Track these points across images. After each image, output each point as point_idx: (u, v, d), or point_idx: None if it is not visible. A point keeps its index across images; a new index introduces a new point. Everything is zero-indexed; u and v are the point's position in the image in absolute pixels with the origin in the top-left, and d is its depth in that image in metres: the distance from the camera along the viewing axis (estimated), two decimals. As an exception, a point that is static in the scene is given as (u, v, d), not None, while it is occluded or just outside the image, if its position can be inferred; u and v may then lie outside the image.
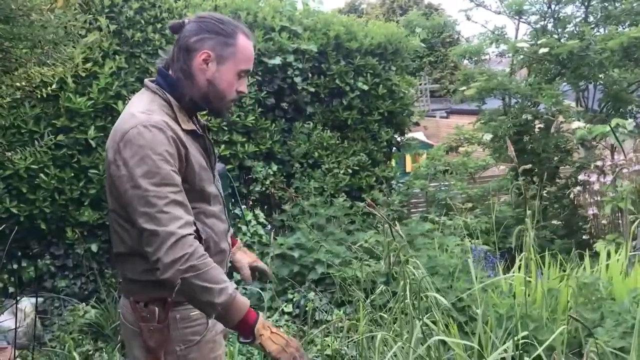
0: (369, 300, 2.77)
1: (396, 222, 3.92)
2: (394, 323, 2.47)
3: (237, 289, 1.63)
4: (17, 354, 3.07)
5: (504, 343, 2.44)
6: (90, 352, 3.31)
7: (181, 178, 1.66)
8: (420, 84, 17.89)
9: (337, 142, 5.55)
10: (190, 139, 1.75)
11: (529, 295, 3.06)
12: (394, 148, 6.20)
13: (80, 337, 3.38)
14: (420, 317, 2.06)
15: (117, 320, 3.91)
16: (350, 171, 5.47)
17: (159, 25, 4.78)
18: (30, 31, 1.91)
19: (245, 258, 2.15)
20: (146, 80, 1.81)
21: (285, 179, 5.32)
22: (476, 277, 2.86)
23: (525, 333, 2.51)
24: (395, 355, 2.15)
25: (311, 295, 3.79)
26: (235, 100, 1.87)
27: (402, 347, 2.07)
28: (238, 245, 2.16)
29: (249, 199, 4.99)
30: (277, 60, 5.17)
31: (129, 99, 4.69)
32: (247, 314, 1.62)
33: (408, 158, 7.75)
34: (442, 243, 4.09)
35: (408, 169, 7.59)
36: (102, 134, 4.46)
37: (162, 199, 1.58)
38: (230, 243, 1.97)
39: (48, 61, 1.93)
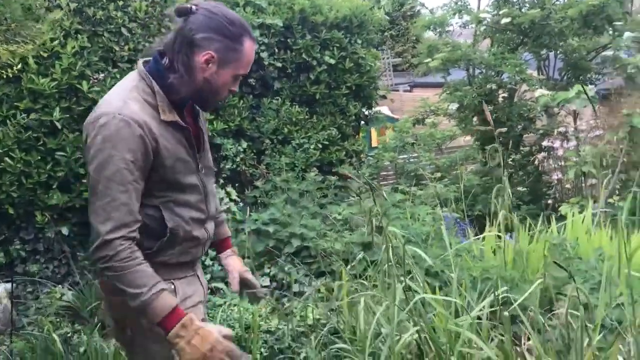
0: (348, 267, 2.82)
1: (375, 191, 4.00)
2: (374, 288, 2.54)
3: (162, 290, 1.64)
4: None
5: (480, 304, 2.53)
6: (69, 334, 3.30)
7: (149, 169, 1.69)
8: (383, 58, 17.95)
9: (306, 117, 5.56)
10: (169, 130, 1.75)
11: (500, 258, 3.17)
12: (362, 122, 6.24)
13: (58, 320, 3.36)
14: (403, 279, 2.12)
15: (93, 302, 3.89)
16: (320, 146, 5.50)
17: (120, 3, 4.67)
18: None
19: (238, 266, 2.15)
20: (139, 61, 1.80)
21: (256, 156, 5.32)
22: (450, 244, 2.95)
23: (503, 291, 2.61)
24: (378, 319, 2.21)
25: (288, 267, 3.83)
26: (225, 99, 1.89)
27: (387, 308, 2.13)
28: (229, 252, 2.18)
29: (221, 176, 4.98)
30: (243, 36, 5.12)
31: (94, 79, 4.61)
32: (165, 318, 1.63)
33: (374, 132, 7.82)
34: (414, 212, 4.17)
35: (374, 143, 7.66)
36: (67, 115, 4.37)
37: (105, 197, 1.62)
38: (209, 232, 1.98)
39: (16, 38, 1.88)
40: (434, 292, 2.72)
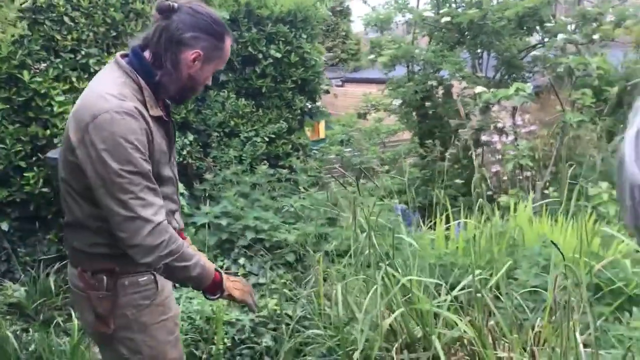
0: (317, 257, 2.89)
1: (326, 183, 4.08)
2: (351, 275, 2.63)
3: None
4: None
5: (437, 288, 2.68)
6: (18, 332, 3.20)
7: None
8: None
9: (253, 110, 5.58)
10: (155, 125, 1.77)
11: (452, 246, 3.34)
12: (307, 116, 6.31)
13: (8, 317, 3.24)
14: (382, 264, 2.22)
15: (38, 299, 3.78)
16: (267, 139, 5.53)
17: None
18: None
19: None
20: (117, 56, 1.80)
21: (202, 149, 5.29)
22: (406, 233, 3.08)
23: (455, 275, 2.75)
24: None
25: (241, 260, 3.86)
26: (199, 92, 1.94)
27: (366, 292, 2.22)
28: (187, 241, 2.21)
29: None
30: (190, 28, 5.07)
31: (36, 69, 4.45)
32: (215, 276, 1.82)
33: (320, 126, 7.91)
34: (362, 203, 4.28)
35: (322, 135, 7.74)
36: (7, 106, 4.21)
37: (136, 186, 1.63)
38: (180, 222, 2.02)
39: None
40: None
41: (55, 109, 4.35)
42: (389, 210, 3.98)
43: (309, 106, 6.26)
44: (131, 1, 4.90)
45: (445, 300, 2.34)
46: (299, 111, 5.91)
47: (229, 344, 2.90)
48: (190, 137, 5.17)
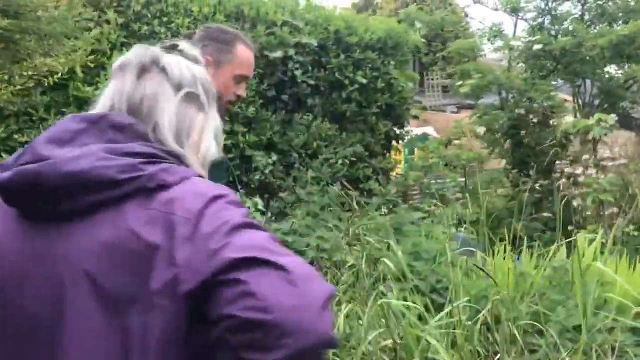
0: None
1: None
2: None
3: None
4: None
5: (477, 320, 2.64)
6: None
7: None
8: (432, 79, 17.96)
9: (336, 133, 5.74)
10: None
11: (504, 279, 3.25)
12: (393, 141, 6.38)
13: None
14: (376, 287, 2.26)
15: None
16: (347, 162, 5.66)
17: (164, 19, 4.99)
18: (37, 25, 2.12)
19: None
20: None
21: (285, 169, 5.52)
22: (454, 262, 3.06)
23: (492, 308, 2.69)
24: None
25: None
26: (233, 103, 2.09)
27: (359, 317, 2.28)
28: None
29: (249, 187, 5.20)
30: (279, 54, 5.37)
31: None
32: None
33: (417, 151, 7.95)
34: (430, 231, 4.27)
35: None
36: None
37: None
38: None
39: (52, 53, 2.14)
40: (427, 308, 2.82)
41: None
42: (450, 239, 3.93)
43: (397, 131, 6.33)
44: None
45: (436, 324, 2.32)
46: (382, 136, 5.99)
47: None
48: (274, 157, 5.43)
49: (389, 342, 2.27)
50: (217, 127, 1.07)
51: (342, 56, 5.76)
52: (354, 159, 5.75)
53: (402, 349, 2.24)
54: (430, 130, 14.16)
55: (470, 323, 2.56)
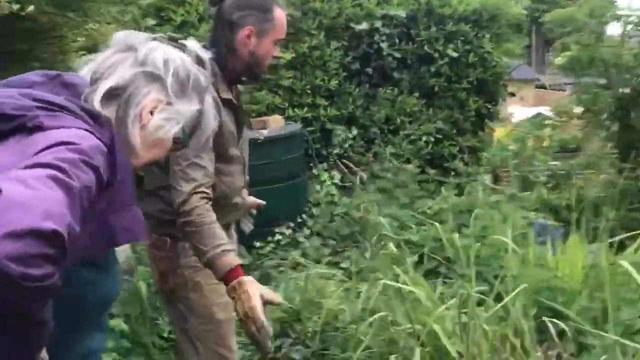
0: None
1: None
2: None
3: (226, 251, 1.80)
4: None
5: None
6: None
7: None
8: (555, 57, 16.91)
9: (421, 109, 5.55)
10: (225, 107, 1.94)
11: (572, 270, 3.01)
12: (485, 119, 6.05)
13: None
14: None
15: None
16: (432, 139, 5.47)
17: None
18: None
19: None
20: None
21: (366, 144, 5.44)
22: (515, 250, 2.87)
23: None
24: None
25: (367, 254, 3.93)
26: (269, 66, 2.07)
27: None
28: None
29: (327, 161, 5.17)
30: (364, 26, 5.25)
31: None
32: (226, 273, 1.78)
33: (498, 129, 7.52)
34: (508, 215, 4.03)
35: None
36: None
37: (185, 160, 1.83)
38: (245, 199, 2.19)
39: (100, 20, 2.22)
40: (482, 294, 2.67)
41: (232, 96, 4.89)
42: (529, 224, 3.70)
43: (490, 108, 6.00)
44: (311, 0, 5.24)
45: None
46: (472, 113, 5.71)
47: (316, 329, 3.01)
48: (355, 131, 5.36)
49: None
50: (190, 118, 1.19)
51: (433, 28, 5.53)
52: (439, 136, 5.54)
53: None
54: (545, 110, 13.35)
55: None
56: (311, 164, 5.09)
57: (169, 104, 1.15)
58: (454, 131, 5.62)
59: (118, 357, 3.02)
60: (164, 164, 1.94)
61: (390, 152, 5.07)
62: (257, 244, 4.16)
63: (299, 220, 4.46)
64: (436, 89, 5.58)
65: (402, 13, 5.35)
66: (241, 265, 1.82)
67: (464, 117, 5.68)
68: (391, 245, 3.44)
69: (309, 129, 5.25)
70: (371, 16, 5.31)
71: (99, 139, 0.99)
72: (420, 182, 4.77)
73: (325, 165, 5.13)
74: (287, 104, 5.16)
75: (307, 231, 4.45)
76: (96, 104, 1.06)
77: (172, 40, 1.23)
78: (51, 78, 1.08)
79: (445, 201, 4.12)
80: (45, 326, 0.93)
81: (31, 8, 1.65)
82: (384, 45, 5.37)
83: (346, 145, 5.27)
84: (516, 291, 2.55)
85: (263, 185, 3.73)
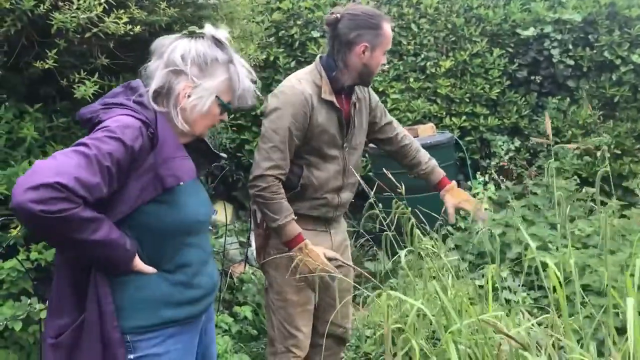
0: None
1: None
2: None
3: (292, 220, 2.18)
4: None
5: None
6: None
7: (303, 131, 2.20)
8: None
9: (597, 120, 5.06)
10: (325, 107, 2.25)
11: None
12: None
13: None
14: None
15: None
16: (608, 154, 4.94)
17: (414, 0, 5.07)
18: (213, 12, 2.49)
19: (451, 200, 2.57)
20: (318, 56, 2.32)
21: (531, 157, 5.12)
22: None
23: None
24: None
25: (504, 273, 3.73)
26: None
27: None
28: (448, 187, 2.59)
29: (486, 172, 4.98)
30: (530, 31, 4.96)
31: (380, 70, 5.10)
32: (290, 240, 2.17)
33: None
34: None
35: None
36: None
37: (269, 142, 2.17)
38: (341, 199, 2.37)
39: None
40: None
41: (388, 104, 4.97)
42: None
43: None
44: (475, 7, 5.10)
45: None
46: (663, 127, 5.04)
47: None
48: (517, 142, 5.08)
49: None
50: (221, 88, 1.56)
51: (616, 32, 5.00)
52: (618, 152, 4.98)
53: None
54: None
55: None
56: (467, 174, 4.96)
57: (196, 87, 1.51)
58: (638, 146, 5.02)
59: (241, 343, 3.32)
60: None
61: (554, 166, 4.70)
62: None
63: (443, 232, 4.38)
64: (617, 98, 5.04)
65: (577, 17, 4.93)
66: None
67: (651, 131, 5.04)
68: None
69: (467, 138, 5.11)
70: (540, 21, 4.99)
71: (141, 119, 1.43)
72: (580, 200, 4.35)
73: (481, 177, 4.95)
74: (444, 113, 5.09)
75: (450, 243, 4.36)
76: (147, 100, 1.50)
77: (191, 34, 1.55)
78: (125, 86, 1.54)
79: (597, 223, 3.73)
80: (104, 244, 1.37)
81: (138, 29, 1.93)
82: (555, 51, 5.01)
83: (506, 157, 5.02)
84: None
85: (407, 193, 3.76)
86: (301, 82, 2.21)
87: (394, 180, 2.33)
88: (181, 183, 1.47)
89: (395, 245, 2.36)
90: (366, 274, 2.01)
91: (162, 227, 1.50)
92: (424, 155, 2.61)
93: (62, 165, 1.28)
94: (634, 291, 2.07)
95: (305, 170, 2.25)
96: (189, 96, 1.51)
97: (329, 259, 2.17)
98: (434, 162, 2.64)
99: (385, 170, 2.47)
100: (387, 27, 2.21)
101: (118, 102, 1.48)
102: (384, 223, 2.34)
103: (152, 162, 1.44)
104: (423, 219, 3.24)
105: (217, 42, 1.55)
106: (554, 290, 3.31)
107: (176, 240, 1.55)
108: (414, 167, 2.60)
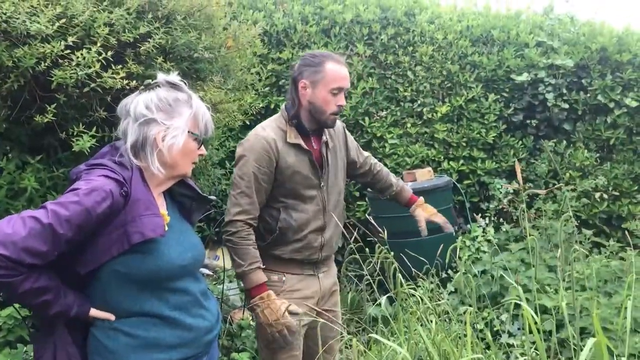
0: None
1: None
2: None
3: (257, 268, 2.23)
4: None
5: None
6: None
7: (270, 175, 2.28)
8: None
9: (594, 163, 5.11)
10: (293, 150, 2.32)
11: None
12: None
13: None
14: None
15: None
16: (605, 196, 4.98)
17: (409, 48, 5.21)
18: (212, 65, 2.59)
19: (422, 214, 2.74)
20: (283, 104, 2.44)
21: (530, 199, 5.16)
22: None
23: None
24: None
25: (504, 317, 3.73)
26: (337, 113, 2.30)
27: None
28: (418, 202, 2.77)
29: (484, 215, 5.01)
30: (524, 77, 5.07)
31: (378, 116, 5.20)
32: (252, 289, 2.23)
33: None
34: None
35: None
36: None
37: (237, 188, 2.27)
38: (325, 239, 2.43)
39: (223, 87, 2.57)
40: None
41: (386, 150, 5.06)
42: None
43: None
44: (470, 53, 5.23)
45: None
46: (659, 168, 5.09)
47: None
48: (516, 185, 5.12)
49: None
50: (189, 123, 1.68)
51: (609, 76, 5.11)
52: (616, 194, 5.02)
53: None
54: None
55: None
56: (466, 217, 4.99)
57: (168, 128, 1.63)
58: (635, 188, 5.06)
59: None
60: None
61: (552, 209, 4.73)
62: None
63: (444, 275, 4.39)
64: (612, 141, 5.10)
65: (569, 62, 5.05)
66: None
67: (648, 173, 5.09)
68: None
69: (466, 182, 5.17)
70: (534, 66, 5.11)
71: (116, 179, 1.53)
72: (578, 242, 4.36)
73: (480, 220, 4.98)
74: (442, 157, 5.17)
75: (450, 287, 4.36)
76: (127, 155, 1.63)
77: (147, 86, 1.67)
78: (110, 146, 1.67)
79: (593, 265, 3.74)
80: (42, 301, 1.46)
81: (135, 82, 2.02)
82: (549, 96, 5.10)
83: (505, 200, 5.06)
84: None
85: (406, 237, 3.79)
86: (265, 129, 2.31)
87: (379, 225, 2.39)
88: (146, 239, 1.54)
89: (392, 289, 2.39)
90: (339, 323, 2.03)
91: (140, 274, 1.58)
92: (393, 177, 2.79)
93: (12, 234, 1.38)
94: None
95: (282, 212, 2.32)
96: (163, 139, 1.62)
97: (291, 313, 2.20)
98: (401, 181, 2.85)
99: (368, 217, 2.56)
100: (331, 66, 2.29)
101: (99, 163, 1.60)
102: (377, 268, 2.38)
103: (123, 218, 1.53)
104: (426, 261, 3.28)
105: (173, 85, 1.67)
106: (550, 333, 3.30)
107: (159, 284, 1.61)
108: (386, 189, 2.77)
